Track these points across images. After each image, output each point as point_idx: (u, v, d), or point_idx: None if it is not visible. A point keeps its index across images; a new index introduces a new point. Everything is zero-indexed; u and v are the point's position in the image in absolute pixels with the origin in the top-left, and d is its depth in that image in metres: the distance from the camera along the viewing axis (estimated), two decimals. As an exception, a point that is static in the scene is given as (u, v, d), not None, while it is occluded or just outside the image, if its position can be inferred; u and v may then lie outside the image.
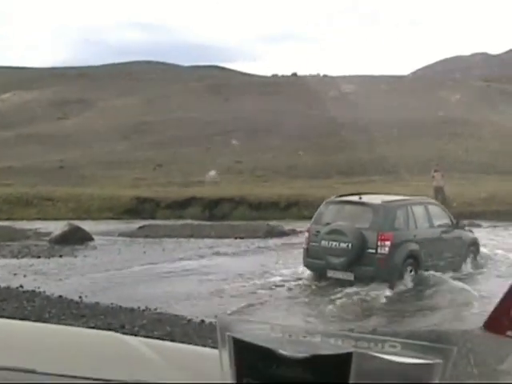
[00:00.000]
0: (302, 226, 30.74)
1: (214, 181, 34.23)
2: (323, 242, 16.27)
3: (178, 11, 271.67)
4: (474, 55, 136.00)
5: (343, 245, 15.84)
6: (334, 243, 16.02)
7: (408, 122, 62.49)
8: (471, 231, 19.86)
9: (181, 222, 33.61)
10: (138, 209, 38.06)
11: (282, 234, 28.24)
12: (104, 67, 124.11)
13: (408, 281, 16.19)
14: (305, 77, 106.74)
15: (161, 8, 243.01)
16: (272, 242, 26.16)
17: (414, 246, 16.61)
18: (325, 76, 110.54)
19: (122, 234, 29.26)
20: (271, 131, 64.12)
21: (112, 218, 36.19)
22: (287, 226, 30.03)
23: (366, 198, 17.40)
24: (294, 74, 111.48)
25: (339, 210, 17.31)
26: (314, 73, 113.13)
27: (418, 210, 17.59)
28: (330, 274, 16.29)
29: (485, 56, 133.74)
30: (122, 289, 16.88)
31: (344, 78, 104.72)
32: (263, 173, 48.90)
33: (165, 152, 57.86)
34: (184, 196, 38.77)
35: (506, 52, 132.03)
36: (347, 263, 15.93)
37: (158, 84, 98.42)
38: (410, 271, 16.40)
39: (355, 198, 17.51)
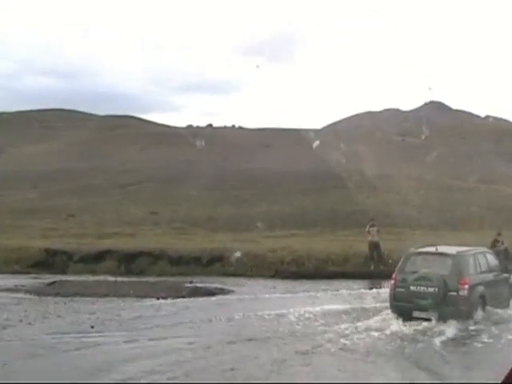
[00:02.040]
0: (229, 283, 28.44)
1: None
2: (412, 288, 18.63)
3: (95, 60, 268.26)
4: (385, 111, 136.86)
5: (430, 289, 18.30)
6: (422, 288, 18.43)
7: (326, 174, 60.79)
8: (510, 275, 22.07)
9: (95, 277, 30.45)
10: (47, 262, 34.78)
11: (209, 292, 25.28)
12: (16, 114, 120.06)
13: (480, 316, 18.62)
14: (220, 128, 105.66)
15: (77, 56, 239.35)
16: (200, 302, 23.15)
17: (482, 288, 19.08)
18: (240, 128, 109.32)
19: (29, 291, 26.11)
20: (187, 182, 61.71)
21: (19, 272, 32.86)
22: (212, 283, 27.35)
23: (441, 249, 20.01)
24: (210, 125, 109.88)
25: (421, 260, 19.70)
26: (229, 124, 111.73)
27: (481, 258, 20.28)
28: (416, 314, 18.49)
29: (396, 112, 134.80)
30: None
31: (259, 130, 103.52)
32: (181, 225, 46.22)
33: (77, 201, 54.83)
34: (98, 249, 35.69)
35: (416, 109, 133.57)
36: (434, 304, 18.26)
37: (71, 132, 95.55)
38: (481, 309, 18.92)
39: (433, 249, 20.07)
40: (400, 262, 19.88)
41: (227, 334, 17.40)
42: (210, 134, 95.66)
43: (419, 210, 46.15)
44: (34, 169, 70.76)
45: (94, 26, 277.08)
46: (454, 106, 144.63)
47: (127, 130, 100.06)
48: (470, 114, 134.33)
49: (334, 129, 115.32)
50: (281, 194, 54.84)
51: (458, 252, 19.55)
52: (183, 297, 24.11)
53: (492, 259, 21.14)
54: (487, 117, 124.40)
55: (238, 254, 31.36)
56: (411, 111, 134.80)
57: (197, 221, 46.66)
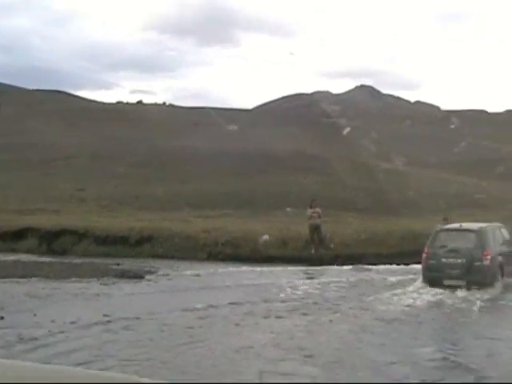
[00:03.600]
0: (159, 265, 25.99)
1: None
2: (443, 260, 21.09)
3: (30, 35, 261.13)
4: (316, 93, 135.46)
5: (459, 260, 20.85)
6: (452, 259, 20.97)
7: (259, 155, 58.71)
8: None
9: (13, 257, 27.62)
10: (-37, 239, 31.76)
11: (137, 275, 22.71)
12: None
13: (499, 283, 20.95)
14: (150, 105, 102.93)
15: (12, 30, 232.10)
16: (129, 287, 20.63)
17: (500, 258, 21.57)
18: (171, 105, 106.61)
19: None
20: (115, 159, 58.99)
21: None
22: (141, 265, 24.94)
23: (465, 226, 22.56)
24: (140, 102, 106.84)
25: (448, 236, 22.24)
26: (160, 102, 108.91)
27: (497, 232, 22.76)
28: (447, 282, 20.74)
29: (326, 94, 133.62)
30: None
31: (191, 109, 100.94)
32: (108, 202, 43.62)
33: (0, 176, 51.53)
34: (18, 226, 32.86)
35: (347, 92, 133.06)
36: (462, 273, 20.65)
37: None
38: (500, 276, 21.28)
39: (458, 226, 22.70)
40: (430, 238, 22.10)
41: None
42: (140, 111, 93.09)
43: (355, 193, 44.46)
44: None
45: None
46: (384, 91, 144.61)
47: (56, 105, 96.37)
48: (399, 98, 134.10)
49: (264, 109, 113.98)
50: (211, 173, 52.54)
51: (480, 228, 22.36)
52: (105, 283, 21.45)
53: (505, 233, 23.50)
54: (417, 102, 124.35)
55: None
56: (342, 94, 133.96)
57: (125, 199, 44.12)
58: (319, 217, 29.02)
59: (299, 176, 51.05)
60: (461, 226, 22.72)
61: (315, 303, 18.04)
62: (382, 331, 14.85)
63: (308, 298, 18.84)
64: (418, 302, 18.69)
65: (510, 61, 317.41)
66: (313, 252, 28.35)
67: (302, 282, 22.29)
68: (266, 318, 16.07)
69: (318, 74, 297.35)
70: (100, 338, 13.52)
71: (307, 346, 13.09)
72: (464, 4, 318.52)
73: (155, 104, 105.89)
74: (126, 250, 29.46)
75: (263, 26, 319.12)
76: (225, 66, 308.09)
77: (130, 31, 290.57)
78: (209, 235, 29.97)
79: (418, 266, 22.31)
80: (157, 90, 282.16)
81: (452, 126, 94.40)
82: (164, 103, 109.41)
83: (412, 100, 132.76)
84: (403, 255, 27.01)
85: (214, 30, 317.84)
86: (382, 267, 25.91)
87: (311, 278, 23.52)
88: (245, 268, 25.30)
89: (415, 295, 19.74)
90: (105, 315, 15.37)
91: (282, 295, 19.20)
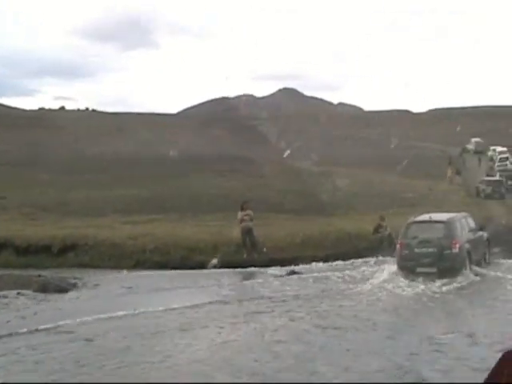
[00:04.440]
0: (84, 276, 24.32)
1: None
2: (416, 250, 22.51)
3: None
4: (239, 97, 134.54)
5: (430, 250, 22.37)
6: (424, 249, 22.43)
7: (184, 159, 57.40)
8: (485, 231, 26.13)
9: None
10: None
11: (61, 289, 20.93)
12: None
13: (468, 269, 22.53)
14: (73, 111, 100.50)
15: None
16: (49, 304, 18.88)
17: (468, 246, 23.16)
18: (93, 111, 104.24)
19: None
20: (38, 165, 56.86)
21: None
22: (63, 276, 23.27)
23: (434, 217, 24.02)
24: (62, 108, 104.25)
25: (419, 227, 23.55)
26: (83, 108, 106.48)
27: (463, 221, 24.35)
28: (419, 269, 22.21)
29: (250, 98, 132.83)
30: None
31: (115, 114, 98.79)
32: (31, 210, 41.48)
33: None
34: None
35: (270, 95, 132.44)
36: (433, 261, 22.20)
37: None
38: (468, 262, 22.82)
39: (428, 218, 24.06)
40: (403, 230, 23.50)
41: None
42: (63, 117, 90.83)
43: (283, 195, 43.44)
44: None
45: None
46: (308, 93, 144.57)
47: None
48: (322, 100, 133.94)
49: (189, 113, 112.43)
50: (137, 178, 50.89)
51: (448, 218, 23.97)
52: (27, 296, 19.79)
53: (471, 222, 25.18)
54: (340, 103, 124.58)
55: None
56: (266, 97, 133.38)
57: (48, 205, 42.00)
58: (251, 219, 27.46)
59: (224, 179, 49.82)
60: (430, 217, 24.20)
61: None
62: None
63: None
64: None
65: (432, 60, 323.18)
66: (245, 257, 26.90)
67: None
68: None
69: (243, 77, 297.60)
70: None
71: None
72: (384, 4, 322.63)
73: (78, 110, 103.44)
74: (48, 259, 27.53)
75: (186, 31, 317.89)
76: (148, 71, 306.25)
77: (52, 37, 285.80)
78: (136, 242, 28.36)
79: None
80: (80, 96, 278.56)
81: (377, 127, 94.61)
82: (87, 109, 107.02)
83: (335, 102, 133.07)
84: (340, 257, 26.04)
85: (136, 34, 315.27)
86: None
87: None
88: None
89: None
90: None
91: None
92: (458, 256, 22.45)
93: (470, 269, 22.71)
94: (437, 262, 22.22)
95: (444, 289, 20.28)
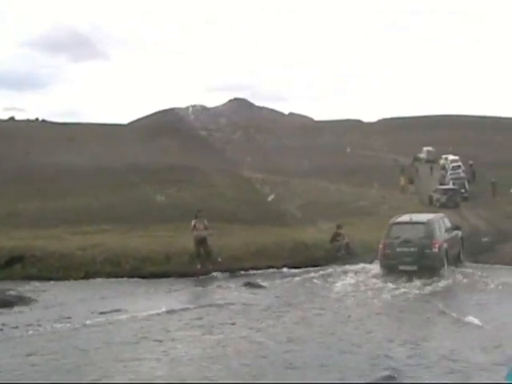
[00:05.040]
0: (31, 289, 23.19)
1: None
2: (398, 249, 23.79)
3: None
4: (190, 107, 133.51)
5: (412, 249, 23.65)
6: (405, 249, 23.70)
7: (134, 169, 56.22)
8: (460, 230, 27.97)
9: None
10: None
11: (6, 303, 19.63)
12: None
13: (445, 266, 23.98)
14: (22, 121, 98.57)
15: None
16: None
17: (446, 245, 24.57)
18: (44, 121, 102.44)
19: None
20: (-15, 176, 55.25)
21: None
22: (6, 288, 22.06)
23: (414, 218, 25.78)
24: (12, 118, 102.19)
25: (401, 228, 24.75)
26: (33, 117, 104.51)
27: (441, 222, 25.85)
28: (401, 267, 23.51)
29: (200, 108, 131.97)
30: None
31: (65, 124, 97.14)
32: (-23, 221, 39.98)
33: None
34: None
35: (221, 105, 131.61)
36: (415, 260, 23.47)
37: None
38: (446, 260, 24.30)
39: (408, 219, 25.59)
40: (386, 231, 24.65)
41: None
42: (12, 127, 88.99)
43: (236, 205, 42.65)
44: None
45: None
46: (258, 103, 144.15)
47: None
48: (273, 110, 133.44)
49: (139, 124, 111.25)
50: (87, 188, 49.70)
51: (428, 220, 25.49)
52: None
53: (447, 222, 26.81)
54: (291, 114, 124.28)
55: None
56: (216, 107, 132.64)
57: (-4, 217, 40.59)
58: (205, 228, 26.48)
59: (174, 189, 48.80)
60: (411, 218, 25.79)
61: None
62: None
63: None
64: None
65: (382, 70, 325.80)
66: (199, 267, 25.80)
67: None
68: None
69: (194, 88, 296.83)
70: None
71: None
72: (328, 15, 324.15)
73: (27, 120, 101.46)
74: (-6, 272, 26.28)
75: (137, 43, 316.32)
76: (99, 82, 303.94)
77: (2, 48, 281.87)
78: (85, 253, 27.19)
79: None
80: (30, 107, 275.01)
81: (328, 136, 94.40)
82: (37, 119, 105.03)
83: (286, 112, 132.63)
84: (297, 266, 25.31)
85: (87, 46, 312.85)
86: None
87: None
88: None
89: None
90: None
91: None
92: (438, 255, 23.85)
93: (447, 267, 24.15)
94: (418, 260, 23.62)
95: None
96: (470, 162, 67.30)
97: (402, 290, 20.74)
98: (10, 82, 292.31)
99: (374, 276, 23.63)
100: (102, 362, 12.92)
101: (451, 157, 72.38)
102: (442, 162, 74.30)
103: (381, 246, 24.38)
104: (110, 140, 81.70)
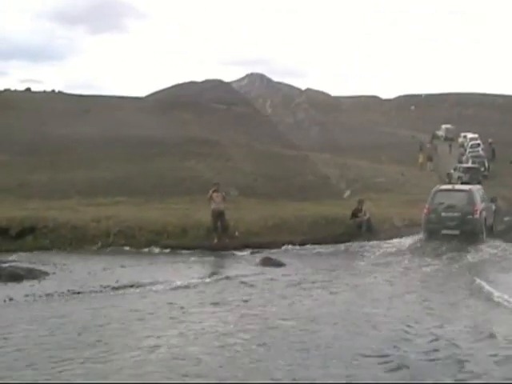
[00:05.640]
0: (43, 259, 22.32)
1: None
2: (442, 214, 25.17)
3: None
4: (207, 81, 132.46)
5: (456, 214, 25.13)
6: (449, 214, 25.15)
7: (151, 141, 55.35)
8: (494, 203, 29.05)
9: None
10: None
11: (15, 276, 18.47)
12: None
13: (484, 232, 25.54)
14: (39, 93, 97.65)
15: None
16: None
17: (484, 213, 25.90)
18: (60, 93, 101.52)
19: None
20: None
21: None
22: (21, 261, 21.16)
23: (457, 187, 29.12)
24: (28, 89, 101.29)
25: (445, 195, 26.17)
26: (49, 89, 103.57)
27: (480, 192, 27.10)
28: (444, 231, 24.78)
29: (218, 82, 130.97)
30: None
31: (82, 96, 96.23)
32: (-14, 191, 39.22)
33: None
34: None
35: (238, 80, 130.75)
36: (458, 224, 24.79)
37: None
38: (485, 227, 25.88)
39: (451, 187, 28.77)
40: (430, 197, 25.96)
41: None
42: (29, 98, 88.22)
43: (253, 178, 41.76)
44: None
45: None
46: (276, 79, 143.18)
47: None
48: (290, 86, 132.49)
49: (156, 97, 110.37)
50: (102, 160, 48.73)
51: (469, 188, 27.27)
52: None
53: (482, 193, 27.63)
54: (308, 89, 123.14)
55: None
56: (233, 82, 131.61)
57: (8, 187, 39.79)
58: (223, 201, 25.62)
59: (193, 162, 47.87)
60: (453, 186, 28.92)
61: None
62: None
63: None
64: None
65: (400, 47, 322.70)
66: (215, 242, 24.90)
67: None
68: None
69: (211, 62, 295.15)
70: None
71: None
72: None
73: (44, 92, 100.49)
74: (5, 243, 25.36)
75: (155, 16, 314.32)
76: (117, 55, 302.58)
77: (19, 20, 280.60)
78: (99, 225, 26.35)
79: None
80: (47, 79, 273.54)
81: (345, 112, 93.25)
82: (53, 91, 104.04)
83: (303, 87, 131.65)
84: (318, 242, 24.33)
85: (105, 18, 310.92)
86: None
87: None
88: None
89: None
90: None
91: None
92: (478, 221, 25.19)
93: (486, 234, 25.61)
94: (460, 225, 24.89)
95: None
96: (490, 141, 66.01)
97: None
98: (27, 53, 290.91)
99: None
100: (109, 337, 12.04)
101: (470, 135, 71.07)
102: (460, 140, 73.00)
103: (425, 210, 25.59)
104: (127, 112, 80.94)
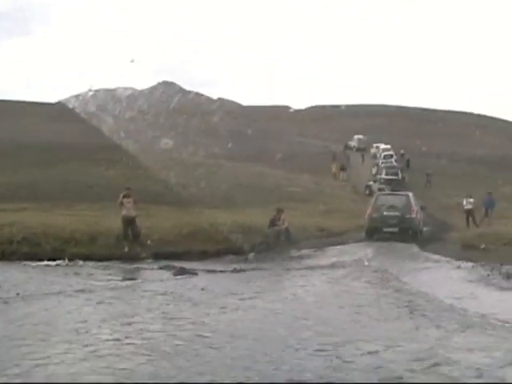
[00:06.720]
0: None
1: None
2: (384, 213, 28.57)
3: None
4: (118, 88, 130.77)
5: (396, 213, 28.54)
6: (391, 213, 28.55)
7: (58, 147, 53.60)
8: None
9: None
10: None
11: None
12: None
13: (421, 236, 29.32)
14: None
15: None
16: None
17: (419, 215, 29.66)
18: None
19: None
20: None
21: None
22: None
23: (397, 192, 35.41)
24: None
25: (386, 197, 31.02)
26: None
27: (414, 197, 30.83)
28: (386, 229, 28.28)
29: (130, 90, 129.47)
30: None
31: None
32: None
33: None
34: None
35: (150, 88, 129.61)
36: (398, 223, 28.20)
37: None
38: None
39: (392, 192, 37.43)
40: (373, 199, 30.34)
41: None
42: None
43: (164, 186, 40.57)
44: None
45: None
46: (187, 87, 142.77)
47: None
48: (201, 94, 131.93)
49: (67, 103, 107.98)
50: (6, 165, 46.72)
51: (407, 193, 31.25)
52: None
53: (416, 197, 31.48)
54: (219, 99, 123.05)
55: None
56: (145, 90, 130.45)
57: None
58: (134, 207, 24.05)
59: (102, 168, 46.36)
60: (393, 191, 35.44)
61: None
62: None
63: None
64: None
65: (311, 56, 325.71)
66: (126, 250, 23.36)
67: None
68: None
69: (123, 69, 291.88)
70: None
71: None
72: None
73: None
74: None
75: (61, 22, 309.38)
76: (27, 60, 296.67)
77: None
78: (2, 232, 24.52)
79: None
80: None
81: (257, 122, 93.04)
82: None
83: (214, 97, 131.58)
84: (234, 251, 23.14)
85: (13, 22, 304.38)
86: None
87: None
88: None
89: None
90: None
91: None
92: (415, 219, 28.66)
93: (421, 233, 29.31)
94: (400, 223, 28.09)
95: None
96: (402, 152, 66.54)
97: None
98: None
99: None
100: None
101: (383, 146, 71.34)
102: (373, 150, 73.24)
103: (369, 210, 29.16)
104: (36, 118, 79.11)
